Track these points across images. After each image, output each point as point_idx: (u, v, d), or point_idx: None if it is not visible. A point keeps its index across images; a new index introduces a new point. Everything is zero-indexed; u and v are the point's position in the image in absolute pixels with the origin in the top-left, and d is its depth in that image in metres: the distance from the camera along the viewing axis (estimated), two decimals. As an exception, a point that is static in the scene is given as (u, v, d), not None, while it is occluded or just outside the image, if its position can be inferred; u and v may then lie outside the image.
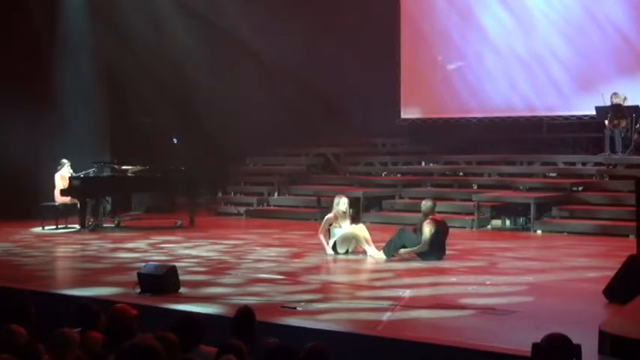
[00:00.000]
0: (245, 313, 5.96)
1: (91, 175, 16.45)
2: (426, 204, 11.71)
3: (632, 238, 10.50)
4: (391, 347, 6.87)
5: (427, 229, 11.37)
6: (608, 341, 5.81)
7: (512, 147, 18.46)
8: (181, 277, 9.37)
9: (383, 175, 19.34)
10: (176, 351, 4.77)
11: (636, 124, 16.39)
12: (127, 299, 8.16)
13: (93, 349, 5.38)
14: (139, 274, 9.26)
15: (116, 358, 4.13)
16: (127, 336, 4.90)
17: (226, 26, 20.25)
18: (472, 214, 15.71)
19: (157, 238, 14.39)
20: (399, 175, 19.00)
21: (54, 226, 16.01)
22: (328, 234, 12.14)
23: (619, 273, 8.46)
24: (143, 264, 9.98)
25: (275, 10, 20.29)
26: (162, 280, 9.05)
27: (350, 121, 20.66)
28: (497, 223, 15.86)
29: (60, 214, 16.17)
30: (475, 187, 17.45)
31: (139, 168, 16.57)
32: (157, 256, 12.01)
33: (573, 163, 17.55)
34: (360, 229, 12.07)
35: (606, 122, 16.66)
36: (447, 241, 11.70)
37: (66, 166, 16.51)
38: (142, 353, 3.87)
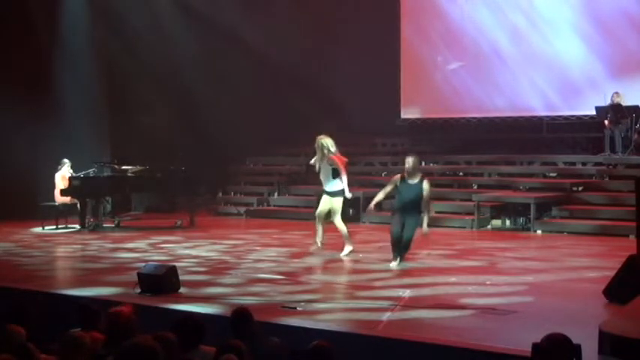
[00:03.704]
0: (239, 313, 5.95)
1: (91, 175, 16.46)
2: (414, 160, 11.13)
3: (632, 238, 10.49)
4: (391, 347, 6.86)
5: (427, 185, 11.00)
6: (608, 341, 5.80)
7: (512, 147, 18.47)
8: (181, 277, 9.37)
9: (383, 175, 19.30)
10: (176, 351, 4.77)
11: (636, 124, 16.40)
12: (127, 299, 8.16)
13: (93, 349, 5.38)
14: (139, 274, 9.26)
15: (115, 358, 4.12)
16: (126, 336, 4.89)
17: (226, 26, 20.24)
18: (472, 214, 15.71)
19: (157, 238, 14.39)
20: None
21: (54, 226, 16.01)
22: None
23: (619, 273, 8.45)
24: (143, 264, 9.97)
25: (275, 10, 20.29)
26: (162, 280, 9.05)
27: (350, 120, 20.64)
28: (497, 223, 15.86)
29: (60, 214, 16.18)
30: (475, 187, 17.44)
31: (139, 168, 16.57)
32: (157, 256, 12.00)
33: (573, 163, 17.55)
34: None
35: (606, 122, 16.66)
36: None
37: (66, 166, 16.50)
38: (141, 353, 3.87)
